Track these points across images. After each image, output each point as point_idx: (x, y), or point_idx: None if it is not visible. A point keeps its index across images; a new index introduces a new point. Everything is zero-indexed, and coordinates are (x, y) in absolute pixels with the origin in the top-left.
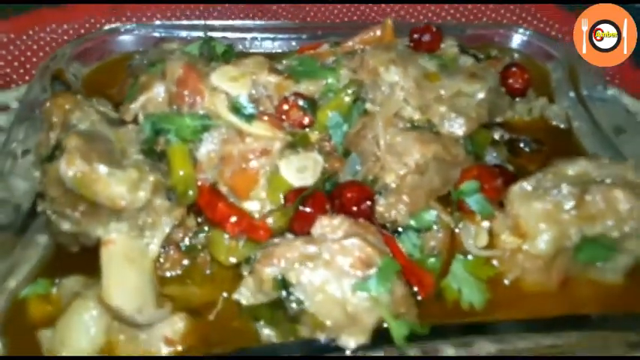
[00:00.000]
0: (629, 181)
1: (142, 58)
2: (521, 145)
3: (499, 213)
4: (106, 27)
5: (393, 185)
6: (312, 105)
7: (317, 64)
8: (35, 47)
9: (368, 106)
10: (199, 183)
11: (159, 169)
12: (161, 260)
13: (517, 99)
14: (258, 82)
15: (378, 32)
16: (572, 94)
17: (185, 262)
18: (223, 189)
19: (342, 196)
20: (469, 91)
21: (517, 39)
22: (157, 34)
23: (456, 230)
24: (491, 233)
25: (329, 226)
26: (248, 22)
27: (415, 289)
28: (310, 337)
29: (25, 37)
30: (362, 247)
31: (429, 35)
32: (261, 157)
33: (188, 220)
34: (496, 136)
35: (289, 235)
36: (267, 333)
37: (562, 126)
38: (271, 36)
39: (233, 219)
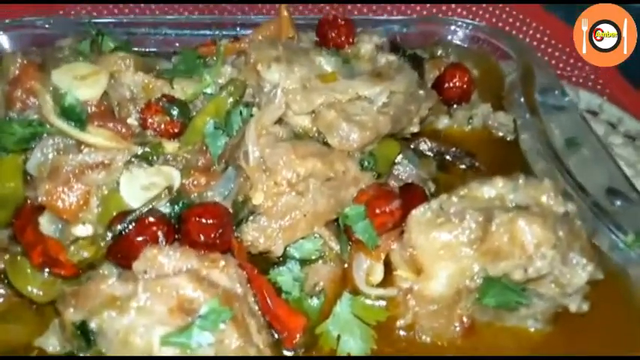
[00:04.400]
0: (543, 208)
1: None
2: (449, 158)
3: (396, 243)
4: None
5: (262, 208)
6: (183, 109)
7: (200, 61)
8: None
9: (255, 111)
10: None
11: None
12: None
13: (455, 105)
14: (122, 81)
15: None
16: (522, 99)
17: (5, 292)
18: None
19: (187, 221)
20: (369, 94)
21: (467, 35)
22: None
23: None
24: (389, 268)
25: (154, 259)
26: (158, 17)
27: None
28: None
29: None
30: (187, 286)
31: (336, 29)
32: (99, 171)
33: (12, 245)
34: (423, 148)
35: (105, 270)
36: None
37: (508, 138)
38: (181, 32)
39: (37, 249)
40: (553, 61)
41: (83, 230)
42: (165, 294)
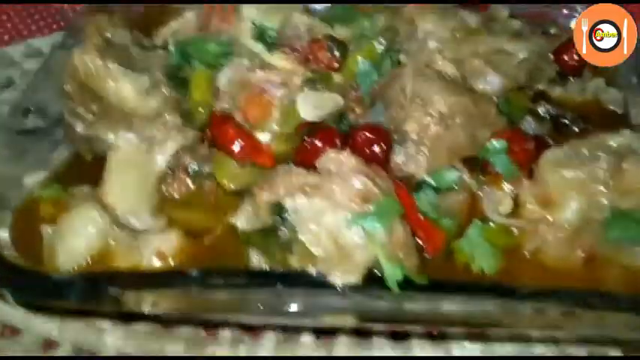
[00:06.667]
0: None
1: None
2: (567, 121)
3: (527, 180)
4: None
5: (414, 135)
6: (343, 49)
7: (355, 11)
8: None
9: (402, 57)
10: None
11: (178, 93)
12: (168, 181)
13: (570, 78)
14: (292, 20)
15: None
16: (635, 80)
17: (191, 186)
18: (238, 117)
19: (356, 136)
20: (510, 49)
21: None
22: None
23: (478, 194)
24: (516, 202)
25: (335, 160)
26: None
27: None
28: (300, 269)
29: None
30: (365, 183)
31: None
32: (280, 88)
33: (200, 147)
34: (541, 110)
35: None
36: (257, 258)
37: (619, 111)
38: None
39: (239, 141)
40: None
41: (264, 137)
42: (347, 185)
